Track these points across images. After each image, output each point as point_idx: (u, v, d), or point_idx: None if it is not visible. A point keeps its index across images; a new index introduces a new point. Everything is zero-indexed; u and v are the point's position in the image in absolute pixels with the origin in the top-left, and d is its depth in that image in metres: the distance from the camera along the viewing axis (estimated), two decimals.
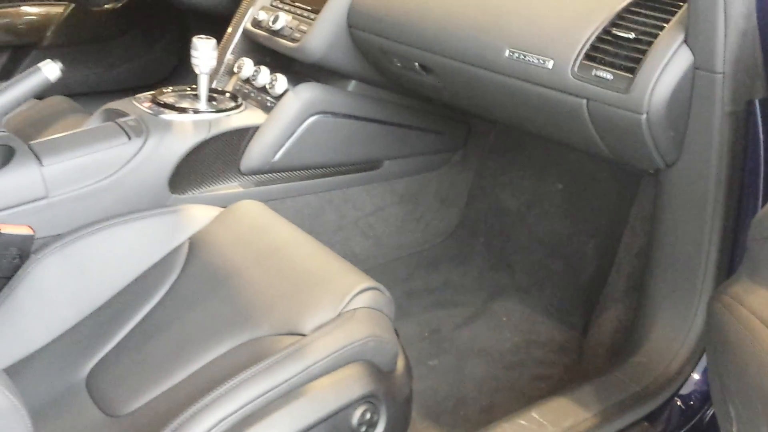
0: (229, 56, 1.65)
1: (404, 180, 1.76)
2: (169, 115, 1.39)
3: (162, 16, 2.44)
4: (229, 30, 1.66)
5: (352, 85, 1.57)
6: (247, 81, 1.59)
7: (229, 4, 1.94)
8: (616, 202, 1.63)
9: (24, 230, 1.12)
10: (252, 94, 1.56)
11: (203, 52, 1.40)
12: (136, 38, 2.41)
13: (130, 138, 1.32)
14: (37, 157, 1.22)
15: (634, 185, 1.52)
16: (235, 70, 1.61)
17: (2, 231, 1.10)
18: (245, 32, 1.63)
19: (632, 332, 1.31)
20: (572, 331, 1.60)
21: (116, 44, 2.38)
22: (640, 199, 1.48)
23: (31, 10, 2.17)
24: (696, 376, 1.21)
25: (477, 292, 1.73)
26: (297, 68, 1.60)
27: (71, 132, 1.32)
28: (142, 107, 1.41)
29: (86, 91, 2.38)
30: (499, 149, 1.87)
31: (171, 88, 1.51)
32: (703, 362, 1.20)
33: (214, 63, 1.43)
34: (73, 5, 2.25)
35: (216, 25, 2.03)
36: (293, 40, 1.48)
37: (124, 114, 1.40)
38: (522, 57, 1.15)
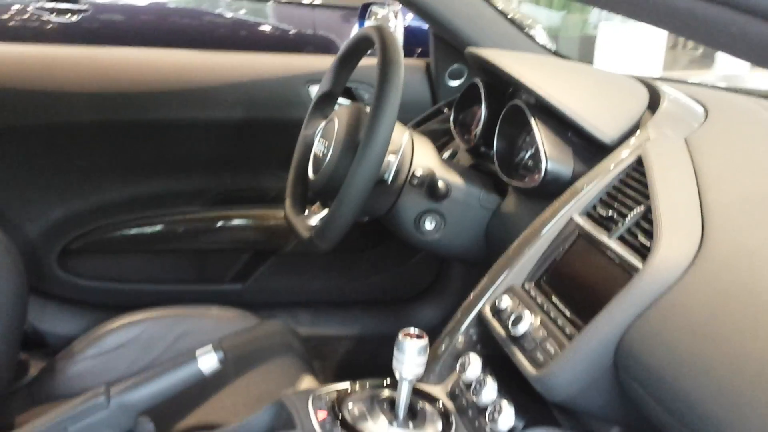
0: (459, 340, 1.25)
1: None
2: None
3: None
4: (463, 308, 1.26)
5: None
6: (469, 386, 1.17)
7: (484, 254, 1.57)
8: None
9: None
10: (469, 412, 1.12)
11: (409, 354, 1.02)
12: (390, 250, 2.12)
13: None
14: None
15: None
16: (458, 367, 1.19)
17: None
18: (481, 316, 1.22)
19: None
20: None
21: (366, 255, 2.12)
22: None
23: (278, 213, 1.99)
24: None
25: None
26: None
27: None
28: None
29: (317, 300, 2.14)
30: None
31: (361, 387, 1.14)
32: None
33: (420, 371, 1.04)
34: None
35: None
36: (534, 362, 1.03)
37: None
38: None
